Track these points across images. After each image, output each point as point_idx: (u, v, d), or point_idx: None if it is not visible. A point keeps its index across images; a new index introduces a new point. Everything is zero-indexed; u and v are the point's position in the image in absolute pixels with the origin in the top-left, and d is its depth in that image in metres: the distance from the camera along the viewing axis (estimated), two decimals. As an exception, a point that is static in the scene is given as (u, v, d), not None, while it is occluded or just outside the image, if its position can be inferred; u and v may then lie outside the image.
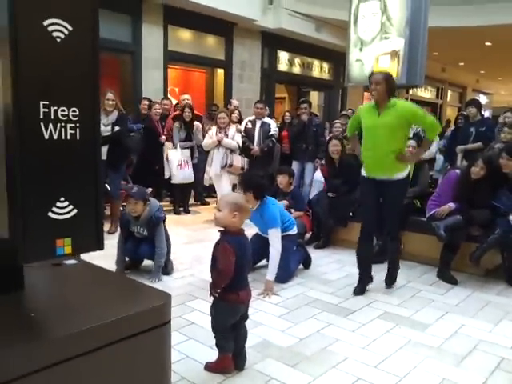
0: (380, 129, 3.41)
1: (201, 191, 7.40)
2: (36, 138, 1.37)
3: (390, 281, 3.81)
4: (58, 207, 1.43)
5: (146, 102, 6.85)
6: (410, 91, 15.20)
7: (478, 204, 3.97)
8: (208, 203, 7.37)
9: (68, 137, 1.43)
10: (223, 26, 9.57)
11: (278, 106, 12.74)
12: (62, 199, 1.44)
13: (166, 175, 6.41)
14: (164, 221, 3.92)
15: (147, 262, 4.10)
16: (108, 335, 1.55)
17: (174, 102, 8.05)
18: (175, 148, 6.39)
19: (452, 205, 3.99)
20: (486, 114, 19.67)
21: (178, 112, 6.75)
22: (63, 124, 1.42)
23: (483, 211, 3.97)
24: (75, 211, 1.48)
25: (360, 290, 3.67)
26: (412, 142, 4.50)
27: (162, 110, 6.80)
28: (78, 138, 1.45)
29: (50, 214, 1.42)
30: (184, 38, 9.32)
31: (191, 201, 7.12)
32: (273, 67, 11.14)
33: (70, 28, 1.40)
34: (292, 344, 2.78)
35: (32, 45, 1.33)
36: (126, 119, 5.62)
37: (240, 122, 6.88)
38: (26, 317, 1.53)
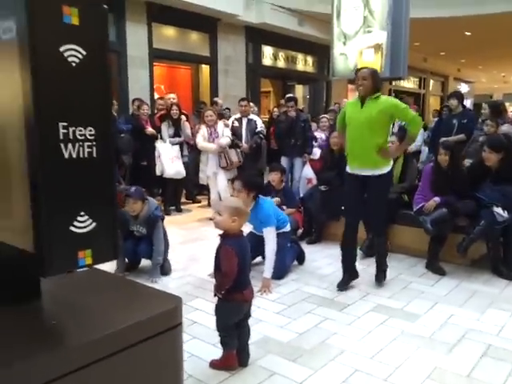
0: (362, 121, 3.47)
1: (192, 189, 7.47)
2: (57, 157, 1.45)
3: (379, 278, 3.84)
4: (78, 221, 1.52)
5: (137, 103, 6.87)
6: (393, 82, 15.39)
7: (456, 189, 4.13)
8: (199, 201, 7.44)
9: (86, 155, 1.51)
10: (207, 22, 9.59)
11: (263, 100, 12.81)
12: (82, 213, 1.53)
13: (158, 171, 6.44)
14: (162, 220, 4.01)
15: (144, 263, 4.18)
16: (125, 340, 1.65)
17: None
18: (165, 143, 6.45)
19: (437, 199, 4.14)
20: (468, 102, 20.03)
21: (163, 112, 6.78)
22: (81, 143, 1.49)
23: (468, 202, 4.12)
24: (94, 224, 1.56)
25: (342, 284, 3.75)
26: (393, 138, 4.61)
27: (158, 109, 6.84)
28: (94, 155, 1.54)
29: (71, 228, 1.50)
30: (168, 35, 9.32)
31: (181, 199, 7.18)
32: (258, 62, 11.20)
33: (84, 52, 1.48)
34: (291, 339, 2.90)
35: (50, 70, 1.41)
36: (115, 120, 5.65)
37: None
38: (48, 325, 1.62)
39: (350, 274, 3.84)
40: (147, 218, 3.91)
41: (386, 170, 3.60)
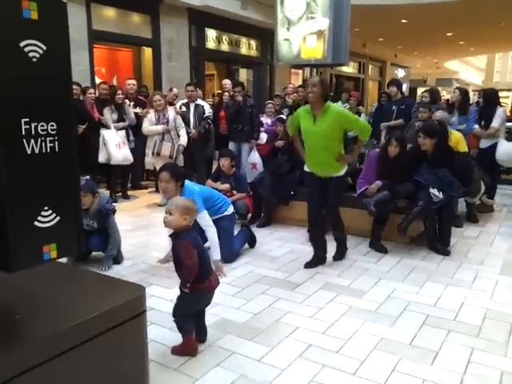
0: (316, 135, 3.69)
1: (138, 175, 7.36)
2: (20, 153, 1.45)
3: (337, 258, 4.13)
4: (42, 216, 1.53)
5: (75, 87, 6.57)
6: (335, 67, 15.76)
7: (399, 177, 4.39)
8: (146, 187, 7.36)
9: (48, 150, 1.52)
10: (148, 3, 9.36)
11: (207, 84, 12.73)
12: (46, 208, 1.54)
13: (101, 159, 6.26)
14: (114, 213, 3.97)
15: (95, 253, 4.13)
16: (92, 329, 1.69)
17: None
18: (110, 130, 6.29)
19: (379, 182, 4.39)
20: (404, 87, 20.89)
21: (105, 98, 6.58)
22: (43, 138, 1.50)
23: (407, 185, 4.40)
24: (58, 218, 1.58)
25: (309, 264, 4.00)
26: None
27: (101, 94, 6.62)
28: (56, 150, 1.55)
29: (36, 222, 1.51)
30: (108, 16, 9.00)
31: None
32: (201, 45, 11.07)
33: (45, 47, 1.47)
34: (247, 319, 3.03)
35: (11, 66, 1.40)
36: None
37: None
38: (12, 319, 1.63)
39: (319, 258, 4.05)
40: (98, 211, 3.84)
41: (343, 171, 3.88)
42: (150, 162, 6.24)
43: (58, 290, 1.87)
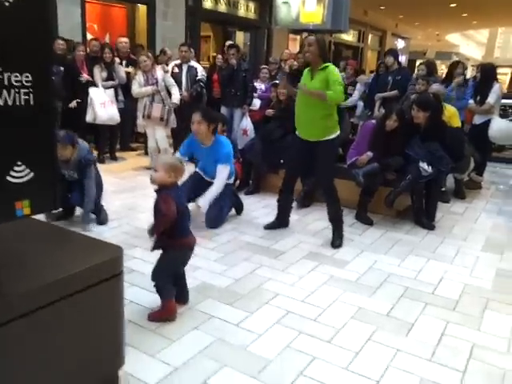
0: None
1: (127, 136, 7.25)
2: (-10, 104, 1.39)
3: (334, 243, 3.80)
4: (15, 171, 1.49)
5: (61, 42, 6.26)
6: (334, 34, 15.46)
7: (392, 151, 4.36)
8: (135, 149, 7.26)
9: (22, 102, 1.46)
10: (145, -42, 9.01)
11: (203, 45, 12.43)
12: (19, 163, 1.49)
13: (88, 118, 6.13)
14: (95, 163, 3.93)
15: (79, 213, 4.10)
16: (68, 288, 1.68)
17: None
18: (97, 88, 6.15)
19: (370, 154, 4.36)
20: (403, 58, 20.59)
21: (95, 55, 6.39)
22: (17, 90, 1.44)
23: (397, 158, 4.38)
24: (32, 174, 1.53)
25: (269, 226, 4.07)
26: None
27: (91, 52, 6.41)
28: (31, 103, 1.49)
29: (8, 177, 1.47)
30: (102, -32, 8.68)
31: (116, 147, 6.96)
32: (198, 5, 10.74)
33: (18, -9, 1.39)
34: (229, 284, 3.04)
35: (-21, 10, 1.32)
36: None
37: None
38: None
39: (280, 221, 4.09)
40: (78, 162, 3.80)
41: (332, 135, 3.69)
42: (142, 124, 6.14)
43: (34, 247, 1.85)
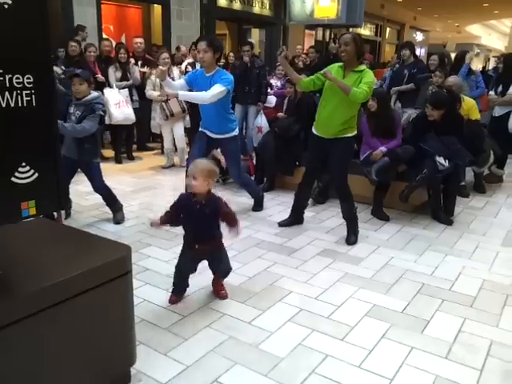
0: (338, 92, 3.41)
1: (144, 136, 7.30)
2: (-7, 106, 1.41)
3: (349, 240, 3.76)
4: (20, 172, 1.51)
5: (74, 44, 6.30)
6: (350, 29, 15.29)
7: (388, 134, 4.35)
8: (152, 149, 7.31)
9: (24, 104, 1.48)
10: (159, -42, 9.06)
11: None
12: (24, 164, 1.51)
13: (106, 120, 6.18)
14: (102, 120, 3.86)
15: (93, 210, 4.14)
16: (75, 287, 1.69)
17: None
18: (111, 88, 6.20)
19: (384, 149, 4.29)
20: (423, 51, 20.24)
21: (108, 55, 6.45)
22: (19, 92, 1.46)
23: (406, 148, 4.30)
24: (36, 175, 1.55)
25: (285, 223, 4.07)
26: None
27: (102, 51, 6.48)
28: (34, 104, 1.50)
29: (13, 179, 1.49)
30: (117, -30, 8.77)
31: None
32: (213, 3, 10.77)
33: (18, -6, 1.40)
34: (242, 282, 3.03)
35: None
36: (55, 60, 5.36)
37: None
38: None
39: (295, 218, 4.06)
40: (87, 103, 3.77)
41: (350, 134, 3.62)
42: (157, 125, 6.19)
43: (42, 247, 1.87)
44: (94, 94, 3.86)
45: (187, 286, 2.82)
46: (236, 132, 4.15)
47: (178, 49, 7.56)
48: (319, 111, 3.69)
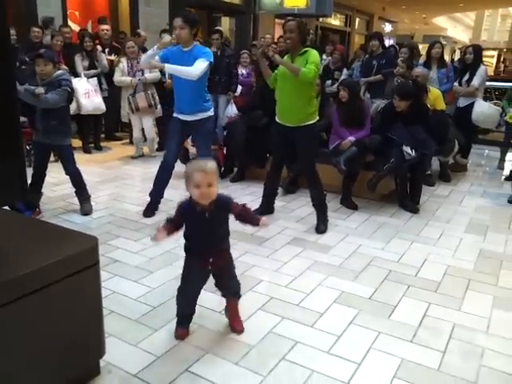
0: (288, 77, 3.52)
1: (112, 126, 7.16)
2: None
3: (319, 229, 3.82)
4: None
5: (37, 29, 6.08)
6: (320, 19, 15.34)
7: (356, 122, 4.43)
8: (120, 138, 7.18)
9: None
10: None
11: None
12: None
13: (72, 109, 6.03)
14: (69, 93, 3.73)
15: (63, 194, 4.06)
16: (41, 279, 1.66)
17: (76, 28, 7.46)
18: (79, 77, 6.03)
19: (352, 138, 4.35)
20: (391, 41, 20.49)
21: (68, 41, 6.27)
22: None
23: (374, 137, 4.38)
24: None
25: (256, 213, 3.98)
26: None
27: (64, 39, 6.27)
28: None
29: (-28, 169, 1.44)
30: (82, -46, 8.48)
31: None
32: (182, -10, 10.58)
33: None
34: (212, 272, 3.03)
35: None
36: (16, 49, 5.17)
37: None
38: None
39: (266, 208, 4.08)
40: (53, 80, 3.67)
41: (310, 121, 3.67)
42: (126, 114, 6.08)
43: (8, 239, 1.82)
44: (59, 71, 3.76)
45: (194, 312, 2.41)
46: (211, 112, 4.03)
47: (138, 34, 7.33)
48: (278, 101, 3.75)
